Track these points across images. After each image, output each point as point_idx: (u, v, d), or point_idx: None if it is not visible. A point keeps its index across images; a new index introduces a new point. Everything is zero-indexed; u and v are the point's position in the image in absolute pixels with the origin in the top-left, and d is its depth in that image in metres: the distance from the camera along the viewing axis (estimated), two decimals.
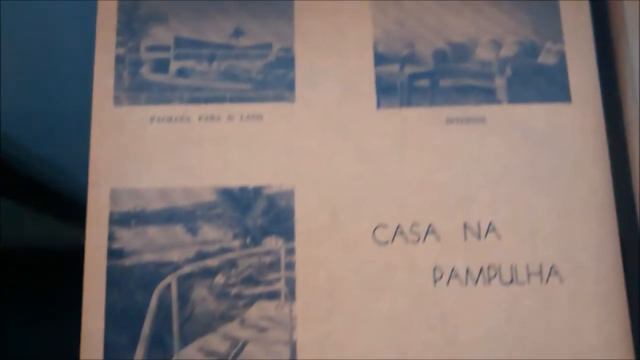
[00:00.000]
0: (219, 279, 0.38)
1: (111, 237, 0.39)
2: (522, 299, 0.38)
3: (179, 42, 0.42)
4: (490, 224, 0.39)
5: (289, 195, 0.40)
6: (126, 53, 0.42)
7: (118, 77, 0.41)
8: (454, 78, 0.42)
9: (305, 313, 0.38)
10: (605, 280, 0.39)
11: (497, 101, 0.41)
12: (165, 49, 0.42)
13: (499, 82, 0.41)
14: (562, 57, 0.42)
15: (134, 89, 0.41)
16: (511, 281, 0.39)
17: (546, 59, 0.42)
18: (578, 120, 0.41)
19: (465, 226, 0.39)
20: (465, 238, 0.39)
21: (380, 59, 0.42)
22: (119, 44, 0.42)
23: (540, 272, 0.39)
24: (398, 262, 0.39)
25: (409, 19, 0.42)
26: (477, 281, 0.39)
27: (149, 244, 0.39)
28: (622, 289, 0.39)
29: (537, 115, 0.41)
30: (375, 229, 0.39)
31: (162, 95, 0.41)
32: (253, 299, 0.38)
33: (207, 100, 0.41)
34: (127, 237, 0.39)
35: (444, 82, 0.41)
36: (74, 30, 0.46)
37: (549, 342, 0.38)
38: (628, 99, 0.41)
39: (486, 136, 0.41)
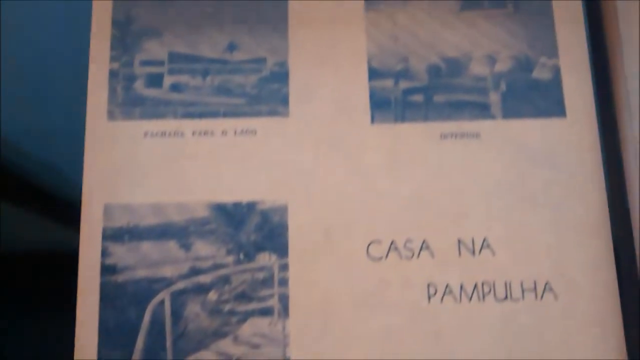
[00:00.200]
0: (212, 295, 0.38)
1: (104, 253, 0.39)
2: (516, 315, 0.38)
3: (173, 56, 0.42)
4: (484, 240, 0.39)
5: (283, 210, 0.40)
6: (120, 67, 0.42)
7: (112, 91, 0.41)
8: (448, 93, 0.41)
9: (299, 330, 0.38)
10: (600, 297, 0.39)
11: (492, 116, 0.41)
12: (159, 63, 0.42)
13: (494, 97, 0.41)
14: (557, 71, 0.42)
15: (128, 103, 0.41)
16: (505, 298, 0.39)
17: (541, 73, 0.42)
18: (573, 135, 0.41)
19: (459, 242, 0.39)
20: (460, 254, 0.39)
21: (374, 74, 0.42)
22: (112, 59, 0.42)
23: (535, 288, 0.39)
24: (392, 278, 0.39)
25: (403, 33, 0.42)
26: (471, 298, 0.39)
27: (143, 260, 0.39)
28: (617, 306, 0.38)
29: (531, 130, 0.41)
30: (369, 245, 0.39)
31: (156, 110, 0.41)
32: (246, 316, 0.38)
33: (201, 115, 0.41)
34: (121, 253, 0.39)
35: (438, 97, 0.41)
36: (68, 43, 0.46)
37: (544, 359, 0.38)
38: (623, 114, 0.41)
39: (480, 152, 0.40)
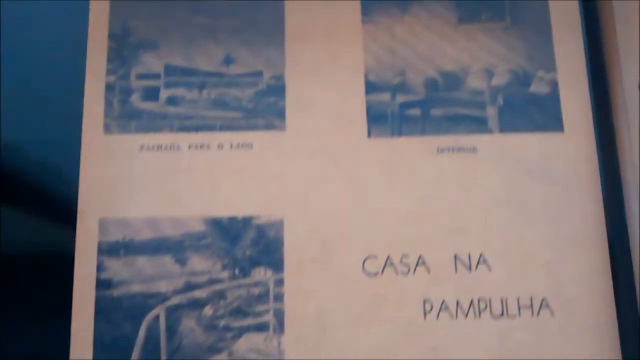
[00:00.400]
0: (208, 311, 0.38)
1: (100, 267, 0.39)
2: (512, 332, 0.38)
3: (169, 69, 0.42)
4: (480, 256, 0.39)
5: (279, 225, 0.39)
6: (116, 81, 0.42)
7: (108, 105, 0.41)
8: (445, 107, 0.41)
9: (294, 345, 0.38)
10: (597, 314, 0.38)
11: (489, 130, 0.41)
12: (156, 76, 0.42)
13: (491, 111, 0.41)
14: (554, 85, 0.41)
15: (124, 117, 0.41)
16: (502, 314, 0.38)
17: (538, 87, 0.42)
18: (570, 149, 0.41)
19: (455, 257, 0.39)
20: (456, 270, 0.39)
21: (371, 88, 0.41)
22: (109, 72, 0.42)
23: (531, 305, 0.38)
24: (388, 294, 0.39)
25: (401, 46, 0.42)
26: (467, 314, 0.38)
27: (138, 274, 0.39)
28: (614, 322, 0.38)
29: (528, 144, 0.41)
30: (365, 260, 0.39)
31: (152, 123, 0.41)
32: (241, 331, 0.38)
33: (197, 129, 0.41)
34: (116, 267, 0.39)
35: (435, 111, 0.41)
36: (65, 56, 0.46)
37: None
38: (621, 128, 0.41)
39: (477, 166, 0.40)
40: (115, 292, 0.39)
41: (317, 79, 0.42)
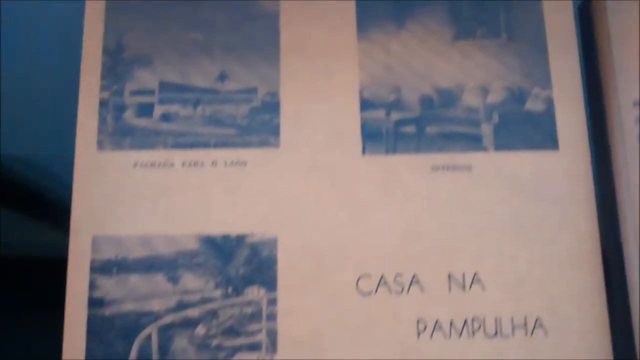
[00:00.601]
0: (200, 330, 0.38)
1: (92, 286, 0.39)
2: (506, 352, 0.38)
3: (164, 86, 0.42)
4: (475, 275, 0.39)
5: (272, 244, 0.39)
6: (110, 97, 0.41)
7: (102, 121, 0.41)
8: (440, 124, 0.41)
9: None
10: (591, 334, 0.38)
11: (484, 148, 0.41)
12: (150, 93, 0.41)
13: (486, 129, 0.41)
14: (550, 103, 0.41)
15: (118, 133, 0.41)
16: (495, 334, 0.38)
17: (534, 105, 0.41)
18: (565, 168, 0.40)
19: (449, 277, 0.39)
20: (450, 289, 0.39)
21: (366, 105, 0.41)
22: (103, 88, 0.41)
23: (525, 325, 0.38)
24: (381, 313, 0.38)
25: (396, 63, 0.42)
26: (461, 334, 0.38)
27: (130, 293, 0.39)
28: (608, 343, 0.38)
29: (523, 163, 0.40)
30: (358, 279, 0.39)
31: (146, 140, 0.41)
32: (234, 351, 0.38)
33: (191, 146, 0.41)
34: (108, 286, 0.39)
35: (430, 129, 0.41)
36: (58, 71, 0.46)
37: None
38: (617, 146, 0.41)
39: (472, 184, 0.40)
40: (108, 311, 0.38)
41: (312, 96, 0.41)
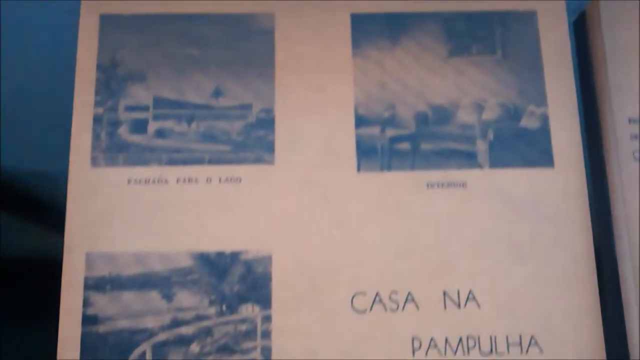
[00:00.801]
0: (194, 348, 0.38)
1: (86, 303, 0.38)
2: None
3: (158, 102, 0.41)
4: (470, 293, 0.39)
5: (267, 261, 0.39)
6: (104, 113, 0.41)
7: (96, 137, 0.41)
8: (435, 141, 0.41)
9: None
10: (586, 352, 0.38)
11: (479, 165, 0.41)
12: (144, 109, 0.41)
13: (481, 146, 0.41)
14: (545, 120, 0.41)
15: (112, 149, 0.41)
16: (491, 351, 0.38)
17: (529, 122, 0.41)
18: (560, 185, 0.40)
19: (444, 294, 0.39)
20: (445, 307, 0.39)
21: (361, 121, 0.41)
22: (97, 104, 0.41)
23: (520, 342, 0.38)
24: (376, 331, 0.38)
25: (391, 80, 0.42)
26: (456, 351, 0.38)
27: (124, 310, 0.38)
28: None
29: (518, 180, 0.40)
30: (353, 296, 0.39)
31: (140, 156, 0.41)
32: None
33: (186, 162, 0.41)
34: (102, 303, 0.39)
35: (425, 146, 0.41)
36: (52, 86, 0.46)
37: None
38: (612, 164, 0.41)
39: (467, 201, 0.40)
40: (102, 328, 0.38)
41: (307, 112, 0.41)
